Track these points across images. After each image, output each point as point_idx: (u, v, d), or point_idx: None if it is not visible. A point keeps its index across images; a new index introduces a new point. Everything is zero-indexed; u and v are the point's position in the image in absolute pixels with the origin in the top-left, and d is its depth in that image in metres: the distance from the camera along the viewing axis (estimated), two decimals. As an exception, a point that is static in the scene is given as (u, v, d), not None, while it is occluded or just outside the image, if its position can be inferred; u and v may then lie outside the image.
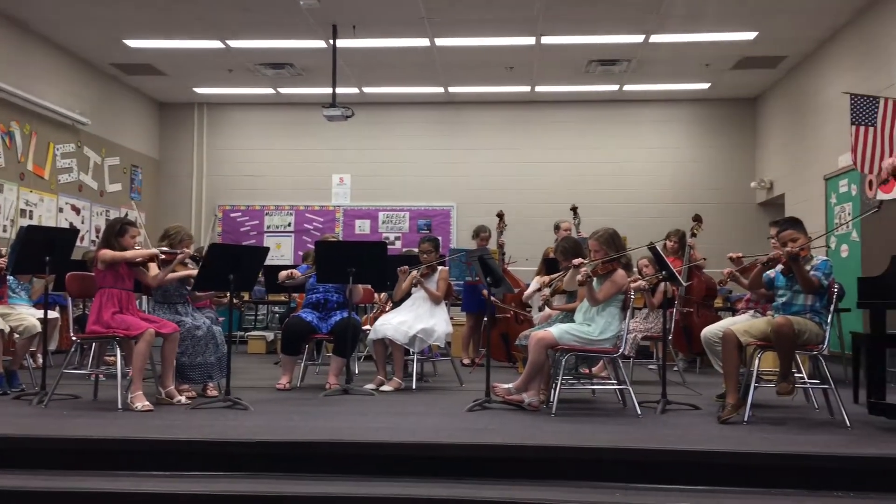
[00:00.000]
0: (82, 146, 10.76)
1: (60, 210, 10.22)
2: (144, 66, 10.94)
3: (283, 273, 6.55)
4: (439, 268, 6.59)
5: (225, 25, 9.34)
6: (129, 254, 5.21)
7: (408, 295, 6.59)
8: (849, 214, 8.66)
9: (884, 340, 5.25)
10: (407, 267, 6.49)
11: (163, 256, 5.44)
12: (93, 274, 5.36)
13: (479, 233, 8.58)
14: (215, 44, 9.94)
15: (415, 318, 6.29)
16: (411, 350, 6.21)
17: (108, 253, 5.17)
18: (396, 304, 6.73)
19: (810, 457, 3.80)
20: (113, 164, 11.53)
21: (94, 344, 6.04)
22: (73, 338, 5.52)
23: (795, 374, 4.87)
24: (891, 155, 6.61)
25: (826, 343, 4.80)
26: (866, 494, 3.58)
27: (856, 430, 4.48)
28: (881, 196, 7.98)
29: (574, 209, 8.76)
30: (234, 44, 9.95)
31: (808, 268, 4.78)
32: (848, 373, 6.61)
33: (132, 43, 9.98)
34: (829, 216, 9.19)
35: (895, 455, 3.82)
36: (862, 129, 6.70)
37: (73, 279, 5.59)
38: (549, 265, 7.03)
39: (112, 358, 6.17)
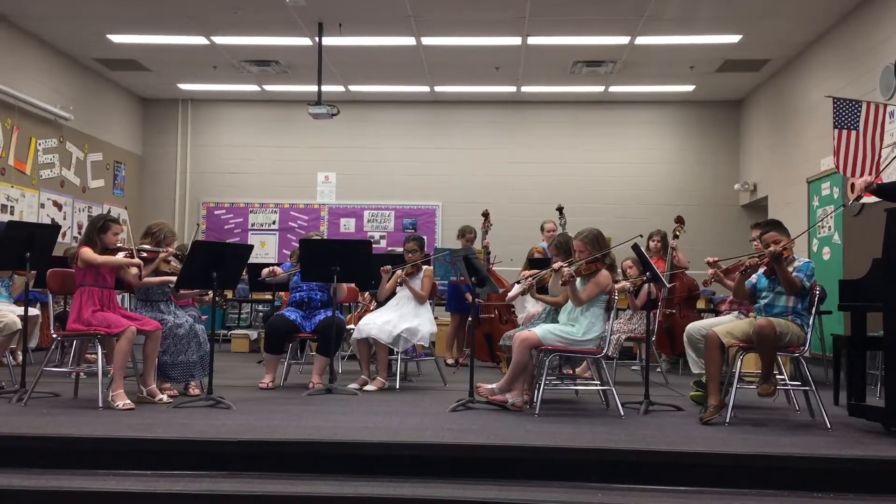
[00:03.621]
0: (65, 142, 10.66)
1: (42, 206, 10.13)
2: (128, 62, 10.86)
3: (266, 270, 6.51)
4: (424, 267, 6.58)
5: (210, 21, 9.29)
6: (107, 260, 5.14)
7: (392, 294, 6.58)
8: (831, 217, 8.74)
9: (864, 343, 5.31)
10: (390, 267, 6.48)
11: (144, 255, 5.41)
12: (73, 271, 5.31)
13: (465, 233, 8.57)
14: (200, 40, 9.87)
15: (399, 317, 6.28)
16: (395, 349, 6.20)
17: (87, 255, 5.10)
18: (381, 304, 6.72)
19: (791, 458, 3.83)
20: (96, 160, 11.43)
21: (74, 342, 5.99)
22: (54, 335, 5.47)
23: (777, 376, 4.91)
24: (872, 158, 6.66)
25: (807, 345, 4.83)
26: (845, 496, 3.61)
27: (836, 431, 4.52)
28: (863, 199, 8.05)
29: (560, 209, 8.78)
30: (219, 40, 9.89)
31: (790, 269, 4.82)
32: (829, 375, 6.67)
33: (116, 38, 9.90)
34: (811, 218, 9.27)
35: (874, 457, 3.86)
36: (844, 132, 6.74)
37: (55, 276, 5.54)
38: (533, 265, 7.04)
39: (93, 356, 6.12)
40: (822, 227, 8.90)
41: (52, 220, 10.20)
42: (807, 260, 4.99)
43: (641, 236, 5.60)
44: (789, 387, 5.23)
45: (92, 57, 10.72)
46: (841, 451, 3.96)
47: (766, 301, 4.97)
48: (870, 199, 7.85)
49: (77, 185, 10.97)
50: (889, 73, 7.53)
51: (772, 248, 4.78)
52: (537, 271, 5.84)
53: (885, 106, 6.93)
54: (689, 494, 3.61)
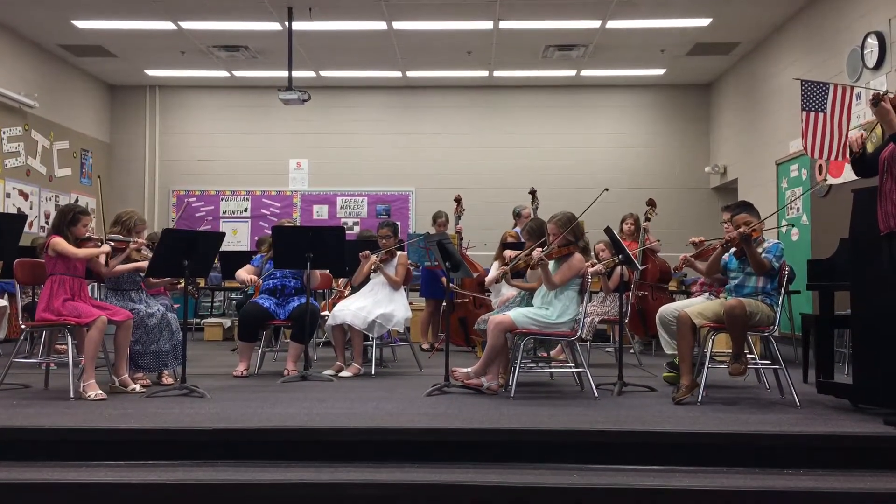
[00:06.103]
0: (30, 130, 10.46)
1: (8, 195, 9.94)
2: (94, 48, 10.66)
3: (249, 279, 6.33)
4: (398, 253, 6.57)
5: (177, 6, 9.14)
6: (81, 253, 5.10)
7: (366, 280, 6.57)
8: (799, 198, 8.85)
9: (832, 321, 5.40)
10: (368, 252, 6.46)
11: (113, 244, 5.34)
12: (42, 261, 5.23)
13: (437, 218, 8.58)
14: (167, 25, 9.72)
15: (374, 303, 6.27)
16: (370, 335, 6.20)
17: (60, 245, 5.04)
18: (355, 290, 6.71)
19: (761, 436, 3.89)
20: (62, 148, 11.24)
21: (44, 332, 5.91)
22: (23, 326, 5.39)
23: (747, 355, 4.98)
24: (839, 140, 6.75)
25: (777, 324, 4.91)
26: (815, 471, 3.68)
27: (805, 408, 4.60)
28: (830, 181, 8.17)
29: (533, 192, 8.80)
30: (186, 25, 9.74)
31: (760, 250, 4.89)
32: (798, 353, 6.78)
33: (81, 23, 9.71)
34: (780, 200, 9.39)
35: (842, 433, 3.94)
36: (812, 114, 6.82)
37: (22, 266, 5.45)
38: (507, 250, 7.05)
39: (63, 346, 6.04)
40: (791, 209, 9.02)
41: (19, 209, 10.02)
42: (776, 241, 5.06)
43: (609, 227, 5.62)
44: (759, 366, 5.31)
45: (57, 43, 10.50)
46: (810, 428, 4.04)
47: (736, 282, 5.04)
48: (837, 179, 7.97)
49: (43, 174, 10.78)
50: (856, 55, 7.62)
51: (741, 229, 4.84)
52: (515, 254, 5.85)
53: (852, 88, 7.02)
54: (662, 473, 3.66)
